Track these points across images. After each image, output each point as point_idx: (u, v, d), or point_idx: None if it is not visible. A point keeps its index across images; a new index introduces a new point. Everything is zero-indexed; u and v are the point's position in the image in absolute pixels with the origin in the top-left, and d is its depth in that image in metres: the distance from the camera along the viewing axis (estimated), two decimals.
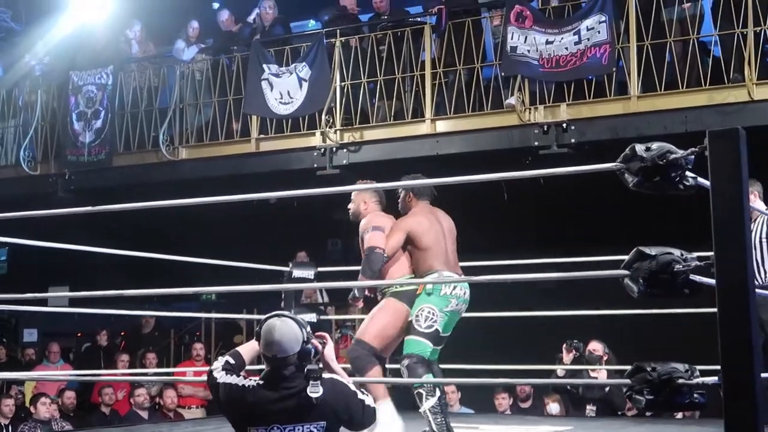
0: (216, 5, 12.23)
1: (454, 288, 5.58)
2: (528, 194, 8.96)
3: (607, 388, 7.86)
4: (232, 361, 3.69)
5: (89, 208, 4.92)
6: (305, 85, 9.47)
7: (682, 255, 3.31)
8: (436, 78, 9.06)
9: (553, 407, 8.40)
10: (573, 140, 8.43)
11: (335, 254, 11.47)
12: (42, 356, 11.57)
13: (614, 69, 8.31)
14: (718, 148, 3.30)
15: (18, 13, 12.95)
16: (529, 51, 8.49)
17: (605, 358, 8.13)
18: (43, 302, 8.89)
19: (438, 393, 5.41)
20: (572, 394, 8.26)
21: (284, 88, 9.57)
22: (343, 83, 9.44)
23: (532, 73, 8.54)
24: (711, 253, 3.29)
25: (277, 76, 9.61)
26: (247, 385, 3.54)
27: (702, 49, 8.20)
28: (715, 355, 3.25)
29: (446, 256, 5.70)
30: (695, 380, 3.29)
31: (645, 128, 8.08)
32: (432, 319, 5.51)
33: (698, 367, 3.36)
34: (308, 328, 3.57)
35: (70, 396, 9.60)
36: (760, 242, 6.05)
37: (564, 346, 8.13)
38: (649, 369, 3.31)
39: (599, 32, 8.24)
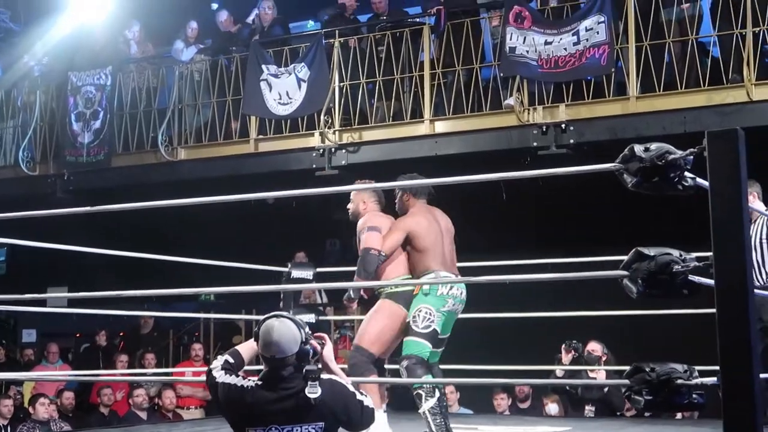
0: (215, 6, 12.24)
1: (451, 288, 5.58)
2: (527, 195, 8.96)
3: (605, 389, 7.86)
4: (231, 360, 3.69)
5: (88, 209, 4.92)
6: (304, 85, 9.47)
7: (681, 256, 3.32)
8: (435, 78, 9.06)
9: (552, 408, 8.40)
10: (572, 141, 8.43)
11: (334, 255, 11.47)
12: (41, 357, 11.57)
13: (613, 69, 8.31)
14: (716, 149, 3.30)
15: (17, 13, 12.95)
16: (527, 51, 8.49)
17: (604, 358, 8.13)
18: (42, 303, 8.90)
19: (437, 394, 5.41)
20: (571, 394, 8.26)
21: (283, 89, 9.57)
22: (341, 84, 9.44)
23: (530, 73, 8.54)
24: (710, 254, 3.29)
25: (275, 76, 9.61)
26: (245, 386, 3.54)
27: (701, 49, 8.20)
28: (714, 355, 3.25)
29: (443, 257, 5.70)
30: (694, 381, 3.29)
31: (644, 129, 8.08)
32: (429, 319, 5.51)
33: (697, 368, 3.36)
34: (307, 329, 3.57)
35: (68, 396, 9.60)
36: (761, 243, 6.04)
37: (563, 346, 8.13)
38: (647, 369, 3.31)
39: (598, 33, 8.24)
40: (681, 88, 8.04)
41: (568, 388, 8.13)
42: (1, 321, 13.43)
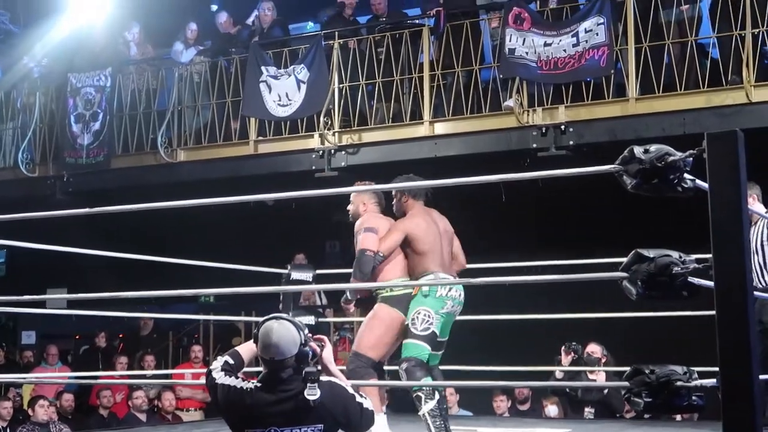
0: (214, 7, 12.24)
1: (450, 290, 5.59)
2: (526, 196, 8.96)
3: (605, 391, 7.85)
4: (231, 362, 3.70)
5: (87, 210, 4.91)
6: (303, 87, 9.47)
7: (680, 257, 3.31)
8: (435, 80, 9.06)
9: (552, 409, 8.40)
10: (571, 142, 8.43)
11: (334, 256, 11.47)
12: (40, 358, 11.58)
13: (612, 71, 8.32)
14: (716, 151, 3.30)
15: (16, 15, 12.95)
16: (527, 53, 8.50)
17: (603, 360, 8.12)
18: (42, 304, 8.90)
19: (437, 396, 5.42)
20: (571, 396, 8.26)
21: (282, 90, 9.56)
22: (341, 85, 9.45)
23: (530, 75, 8.54)
24: (709, 256, 3.29)
25: (275, 78, 9.61)
26: (245, 387, 3.54)
27: (700, 51, 8.21)
28: (714, 357, 3.24)
29: (442, 259, 5.71)
30: (693, 382, 3.29)
31: (643, 130, 8.08)
32: (428, 321, 5.51)
33: (697, 369, 3.36)
34: (306, 331, 3.57)
35: (68, 398, 9.60)
36: (762, 246, 6.03)
37: (562, 348, 8.13)
38: (647, 371, 3.31)
39: (597, 34, 8.24)
40: (680, 90, 8.04)
41: (567, 390, 8.12)
42: (1, 323, 13.42)
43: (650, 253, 3.34)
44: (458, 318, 5.79)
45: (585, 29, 8.30)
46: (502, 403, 8.58)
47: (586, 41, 8.28)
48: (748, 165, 3.33)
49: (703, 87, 7.99)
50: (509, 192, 8.87)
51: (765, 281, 5.99)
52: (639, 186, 3.37)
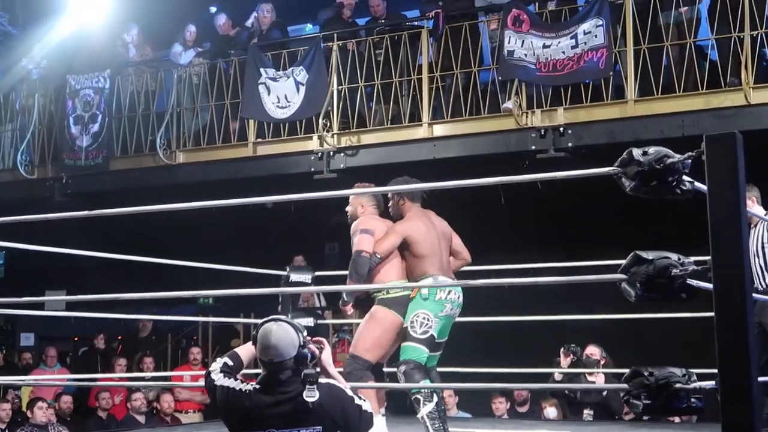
0: (213, 9, 12.22)
1: (449, 293, 5.59)
2: (525, 198, 8.96)
3: (604, 393, 7.85)
4: (230, 363, 3.70)
5: (86, 212, 4.91)
6: (302, 89, 9.47)
7: (679, 259, 3.32)
8: (434, 82, 9.06)
9: (551, 411, 8.40)
10: (570, 144, 8.43)
11: (333, 258, 11.45)
12: (39, 360, 11.57)
13: (611, 73, 8.31)
14: (715, 153, 3.30)
15: (15, 16, 12.94)
16: (526, 55, 8.50)
17: (602, 362, 8.12)
18: (40, 306, 8.90)
19: (435, 398, 5.42)
20: (570, 398, 8.25)
21: (281, 92, 9.56)
22: (340, 87, 9.44)
23: (529, 77, 8.54)
24: (708, 258, 3.29)
25: (274, 80, 9.61)
26: (243, 389, 3.54)
27: (699, 53, 8.20)
28: (713, 359, 3.25)
29: (441, 261, 5.71)
30: (692, 385, 3.29)
31: (642, 132, 8.08)
32: (427, 324, 5.51)
33: (695, 371, 3.36)
34: (305, 333, 3.57)
35: (66, 400, 9.60)
36: (763, 248, 6.02)
37: (561, 350, 8.12)
38: (646, 373, 3.31)
39: (596, 36, 8.24)
40: (679, 92, 8.04)
41: (566, 391, 8.12)
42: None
43: (649, 255, 3.34)
44: (457, 320, 5.79)
45: (584, 31, 8.30)
46: (501, 405, 8.58)
47: (585, 43, 8.28)
48: (747, 167, 3.33)
49: (702, 89, 7.99)
50: (508, 194, 8.88)
51: (765, 283, 5.98)
52: (638, 188, 3.37)
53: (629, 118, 8.24)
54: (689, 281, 3.31)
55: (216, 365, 3.70)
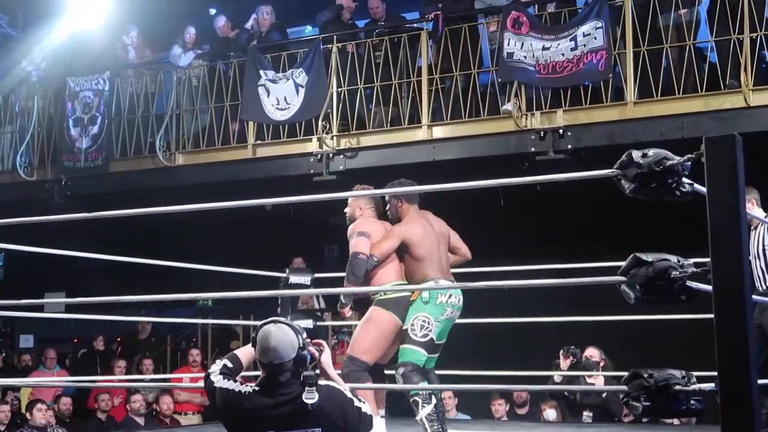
0: (213, 11, 12.22)
1: (450, 297, 5.59)
2: (525, 200, 8.96)
3: (604, 395, 7.85)
4: (229, 365, 3.70)
5: (86, 215, 4.92)
6: (302, 91, 9.47)
7: (678, 261, 3.31)
8: (433, 84, 9.06)
9: (550, 413, 8.40)
10: (569, 146, 8.43)
11: (332, 260, 11.45)
12: (38, 362, 11.57)
13: (611, 75, 8.31)
14: (714, 155, 3.30)
15: (15, 18, 12.94)
16: (525, 57, 8.49)
17: (602, 364, 8.12)
18: (40, 308, 8.89)
19: (434, 400, 5.42)
20: (569, 400, 8.25)
21: (281, 94, 9.56)
22: (339, 89, 9.44)
23: (528, 79, 8.54)
24: (708, 259, 3.29)
25: (273, 82, 9.61)
26: (243, 391, 3.54)
27: (698, 55, 8.21)
28: (712, 361, 3.24)
29: (440, 263, 5.71)
30: (692, 387, 3.29)
31: (641, 134, 8.08)
32: (427, 328, 5.51)
33: (695, 374, 3.36)
34: (304, 335, 3.57)
35: (66, 402, 9.60)
36: (764, 250, 6.02)
37: (561, 352, 8.12)
38: (645, 375, 3.31)
39: (596, 38, 8.24)
40: (678, 94, 8.04)
41: (566, 393, 8.12)
42: None
43: (649, 257, 3.34)
44: (457, 322, 5.78)
45: (583, 33, 8.30)
46: (500, 407, 8.58)
47: (585, 45, 8.28)
48: (747, 169, 3.33)
49: (702, 91, 7.99)
50: (507, 196, 8.87)
51: (766, 285, 5.97)
52: (637, 190, 3.37)
53: (629, 120, 8.24)
54: (689, 283, 3.31)
55: (215, 367, 3.70)
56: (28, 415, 8.96)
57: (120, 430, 9.15)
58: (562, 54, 8.38)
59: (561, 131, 8.42)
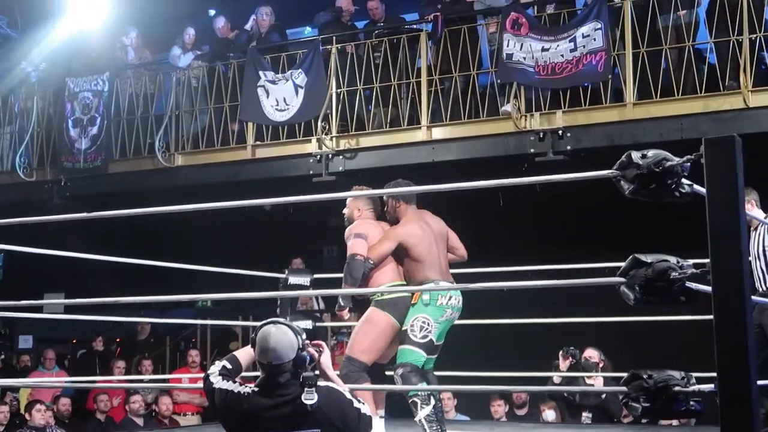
0: (212, 12, 12.23)
1: (450, 298, 5.59)
2: (524, 201, 8.97)
3: (603, 396, 7.85)
4: (229, 366, 3.69)
5: (85, 215, 4.92)
6: (301, 91, 9.47)
7: (678, 262, 3.32)
8: (432, 85, 9.06)
9: (549, 414, 8.39)
10: (569, 147, 8.43)
11: (331, 261, 11.45)
12: (37, 362, 11.56)
13: (610, 76, 8.32)
14: (713, 156, 3.30)
15: (14, 19, 12.93)
16: (524, 58, 8.50)
17: (601, 365, 8.12)
18: (39, 309, 8.88)
19: (433, 401, 5.41)
20: (568, 401, 8.25)
21: (280, 95, 9.56)
22: (339, 90, 9.44)
23: (527, 80, 8.54)
24: (707, 260, 3.30)
25: (273, 82, 9.61)
26: (242, 392, 3.54)
27: (697, 56, 8.21)
28: (712, 362, 3.24)
29: (439, 264, 5.71)
30: (691, 388, 3.29)
31: (641, 135, 8.08)
32: (427, 329, 5.51)
33: (694, 375, 3.36)
34: (304, 335, 3.57)
35: (65, 403, 9.60)
36: (763, 251, 6.02)
37: (560, 353, 8.12)
38: (645, 376, 3.31)
39: (595, 39, 8.24)
40: (678, 95, 8.05)
41: (565, 394, 8.12)
42: None
43: (648, 258, 3.34)
44: (456, 322, 5.78)
45: (582, 34, 8.30)
46: (499, 408, 8.58)
47: (584, 46, 8.28)
48: (746, 170, 3.34)
49: (701, 92, 7.99)
50: (507, 197, 8.87)
51: (766, 286, 5.98)
52: (636, 191, 3.37)
53: (628, 121, 8.24)
54: (688, 284, 3.31)
55: (215, 368, 3.70)
56: (27, 416, 8.96)
57: (119, 430, 9.15)
58: (562, 55, 8.38)
59: (560, 132, 8.43)
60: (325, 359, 3.67)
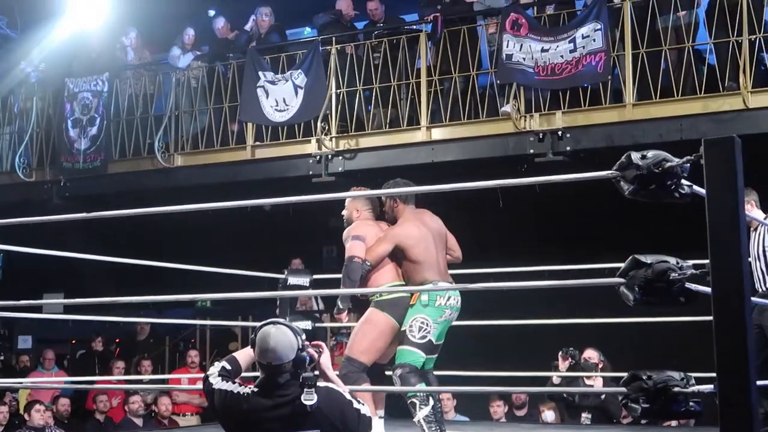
0: (212, 13, 12.23)
1: (449, 299, 5.59)
2: (524, 202, 8.96)
3: (602, 396, 7.85)
4: (228, 367, 3.69)
5: (84, 215, 4.92)
6: (301, 92, 9.47)
7: (677, 263, 3.32)
8: (432, 86, 9.06)
9: (549, 415, 8.39)
10: (568, 148, 8.43)
11: (330, 261, 11.45)
12: (36, 363, 11.56)
13: (609, 77, 8.32)
14: (713, 157, 3.31)
15: (14, 20, 12.93)
16: (524, 59, 8.50)
17: (601, 365, 8.12)
18: (38, 309, 8.88)
19: (431, 402, 5.41)
20: (568, 401, 8.25)
21: (280, 96, 9.56)
22: (338, 90, 9.44)
23: (527, 80, 8.54)
24: (707, 261, 3.30)
25: (272, 83, 9.61)
26: (241, 392, 3.54)
27: (697, 57, 8.21)
28: (711, 363, 3.24)
29: (438, 265, 5.70)
30: (691, 388, 3.29)
31: (640, 136, 8.08)
32: (426, 330, 5.51)
33: (694, 375, 3.36)
34: (303, 336, 3.57)
35: (64, 403, 9.59)
36: (763, 252, 6.02)
37: (559, 353, 8.12)
38: (644, 377, 3.31)
39: (594, 40, 8.24)
40: (677, 96, 8.05)
41: (564, 395, 8.12)
42: None
43: (647, 258, 3.34)
44: (455, 323, 5.79)
45: (582, 35, 8.30)
46: (499, 409, 8.58)
47: (584, 47, 8.28)
48: (745, 171, 3.34)
49: (700, 93, 7.98)
50: (506, 197, 8.87)
51: (766, 287, 5.98)
52: (636, 192, 3.37)
53: (627, 122, 8.24)
54: (688, 285, 3.31)
55: (214, 369, 3.70)
56: (26, 416, 8.96)
57: (118, 431, 9.14)
58: (561, 56, 8.38)
59: (560, 133, 8.43)
60: (325, 360, 3.67)
